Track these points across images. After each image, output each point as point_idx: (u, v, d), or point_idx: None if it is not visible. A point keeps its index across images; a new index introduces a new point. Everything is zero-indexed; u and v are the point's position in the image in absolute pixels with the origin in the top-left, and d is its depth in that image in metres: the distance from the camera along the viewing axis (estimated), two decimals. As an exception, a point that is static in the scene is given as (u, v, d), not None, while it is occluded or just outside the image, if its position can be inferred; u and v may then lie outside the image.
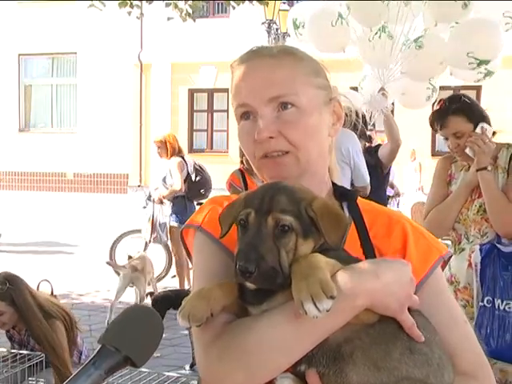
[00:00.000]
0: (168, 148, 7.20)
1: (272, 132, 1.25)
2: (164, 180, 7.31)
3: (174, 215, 7.22)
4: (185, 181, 7.17)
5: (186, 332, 5.03)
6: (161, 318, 1.08)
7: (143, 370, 2.91)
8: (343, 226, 1.14)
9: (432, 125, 3.43)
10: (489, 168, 3.08)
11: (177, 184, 7.09)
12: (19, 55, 20.18)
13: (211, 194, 7.09)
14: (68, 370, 3.53)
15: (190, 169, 7.23)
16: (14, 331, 3.78)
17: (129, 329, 1.03)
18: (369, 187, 4.78)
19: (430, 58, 4.68)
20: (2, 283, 3.62)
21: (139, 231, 7.77)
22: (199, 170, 7.32)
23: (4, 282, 3.63)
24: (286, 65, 1.27)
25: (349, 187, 4.43)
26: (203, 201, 7.82)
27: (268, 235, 1.09)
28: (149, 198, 7.71)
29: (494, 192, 3.06)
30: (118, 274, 6.71)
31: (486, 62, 4.61)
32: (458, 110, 3.25)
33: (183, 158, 7.30)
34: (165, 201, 7.27)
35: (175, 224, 7.15)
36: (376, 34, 4.72)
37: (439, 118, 3.36)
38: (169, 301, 4.70)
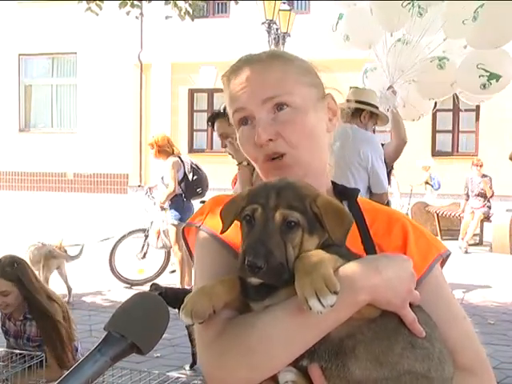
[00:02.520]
0: (158, 150, 7.22)
1: (270, 134, 1.26)
2: (162, 179, 7.38)
3: (172, 214, 7.26)
4: (182, 180, 7.22)
5: (186, 332, 5.03)
6: (167, 305, 1.08)
7: (143, 370, 2.91)
8: (347, 223, 1.15)
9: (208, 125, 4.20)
10: (244, 163, 3.80)
11: (171, 186, 7.17)
12: (19, 55, 20.17)
13: (208, 194, 7.14)
14: (65, 352, 3.66)
15: (188, 168, 7.27)
16: (10, 323, 3.85)
17: (134, 316, 1.03)
18: (387, 195, 4.70)
19: (446, 80, 4.72)
20: (10, 264, 3.79)
21: (140, 231, 7.82)
22: (196, 170, 7.36)
23: (12, 263, 3.80)
24: (276, 67, 1.29)
25: (364, 192, 4.39)
26: (200, 199, 7.80)
27: (275, 231, 1.10)
28: (147, 194, 7.83)
29: (245, 183, 3.88)
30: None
31: (497, 78, 4.61)
32: (222, 115, 3.94)
33: (180, 157, 7.34)
34: (165, 205, 7.35)
35: (174, 222, 7.20)
36: (393, 45, 4.77)
37: (212, 121, 4.20)
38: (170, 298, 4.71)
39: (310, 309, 1.03)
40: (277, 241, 1.10)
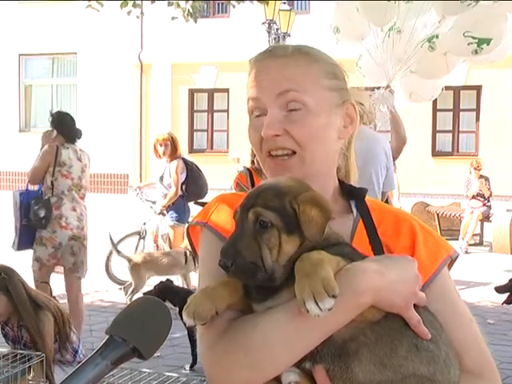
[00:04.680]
0: (174, 146, 7.14)
1: (278, 130, 1.25)
2: (161, 179, 7.26)
3: (172, 216, 7.18)
4: (184, 182, 7.14)
5: (186, 332, 5.03)
6: (169, 310, 1.08)
7: (143, 370, 2.91)
8: (322, 220, 1.11)
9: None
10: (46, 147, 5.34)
11: (174, 189, 7.06)
12: (19, 55, 20.17)
13: (208, 194, 7.11)
14: (49, 363, 3.61)
15: (191, 170, 7.20)
16: (8, 328, 3.86)
17: (137, 320, 1.03)
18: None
19: (439, 58, 4.68)
20: None
21: (136, 234, 7.65)
22: (198, 173, 7.29)
23: (0, 273, 3.74)
24: (298, 64, 1.27)
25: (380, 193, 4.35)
26: (201, 201, 7.65)
27: (248, 231, 1.10)
28: (138, 195, 7.68)
29: (44, 162, 5.34)
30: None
31: (487, 41, 4.55)
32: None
33: (183, 159, 7.28)
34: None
35: (172, 224, 7.14)
36: (386, 34, 4.74)
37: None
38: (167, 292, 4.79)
39: (308, 312, 1.02)
40: (247, 241, 1.09)
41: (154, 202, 7.49)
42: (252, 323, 1.11)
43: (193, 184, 7.20)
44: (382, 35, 4.84)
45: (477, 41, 4.52)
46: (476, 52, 4.57)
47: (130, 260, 6.51)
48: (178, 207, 7.18)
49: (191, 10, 7.84)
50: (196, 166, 7.41)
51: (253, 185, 4.80)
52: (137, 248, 7.61)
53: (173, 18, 8.07)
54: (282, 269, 1.10)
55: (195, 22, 8.02)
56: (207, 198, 7.46)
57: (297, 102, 1.25)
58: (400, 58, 4.77)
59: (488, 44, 4.56)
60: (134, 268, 6.40)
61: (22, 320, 3.74)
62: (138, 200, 7.77)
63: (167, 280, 5.26)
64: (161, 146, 7.16)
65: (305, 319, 1.05)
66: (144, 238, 7.55)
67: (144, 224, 7.56)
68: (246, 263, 1.08)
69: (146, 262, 6.50)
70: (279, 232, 1.09)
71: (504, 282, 4.26)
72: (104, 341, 1.00)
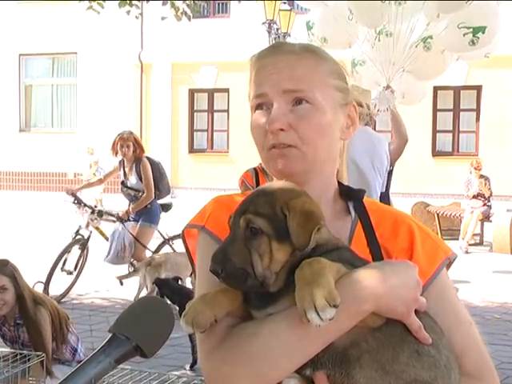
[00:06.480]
0: (139, 147, 6.72)
1: (283, 124, 1.23)
2: (124, 184, 6.77)
3: (147, 219, 6.71)
4: (153, 181, 6.69)
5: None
6: (172, 309, 1.08)
7: (144, 369, 2.91)
8: (310, 227, 1.10)
9: None
10: None
11: (149, 193, 6.56)
12: (20, 55, 20.19)
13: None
14: (48, 357, 3.63)
15: (156, 167, 6.78)
16: (5, 328, 3.90)
17: (140, 319, 1.03)
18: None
19: (435, 57, 4.70)
20: (4, 262, 3.86)
21: (76, 243, 7.00)
22: (164, 169, 6.94)
23: (6, 262, 3.87)
24: (306, 62, 1.27)
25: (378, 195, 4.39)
26: (165, 201, 7.31)
27: (239, 237, 1.10)
28: (75, 201, 6.87)
29: None
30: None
31: (482, 30, 4.57)
32: None
33: (148, 158, 6.84)
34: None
35: (148, 225, 6.70)
36: (376, 38, 4.76)
37: None
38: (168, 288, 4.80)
39: (309, 321, 1.01)
40: (238, 247, 1.09)
41: (95, 207, 7.12)
42: (251, 331, 1.11)
43: (160, 182, 6.75)
44: (372, 40, 4.85)
45: (471, 30, 4.53)
46: (473, 42, 4.58)
47: (152, 259, 6.31)
48: (154, 209, 6.71)
49: (186, 9, 7.82)
50: (159, 162, 6.95)
51: (257, 184, 4.82)
52: (65, 259, 6.92)
53: (162, 18, 8.02)
54: (275, 275, 1.09)
55: (189, 20, 7.96)
56: (168, 199, 7.15)
57: (303, 99, 1.24)
58: (395, 59, 4.78)
59: (483, 32, 4.56)
60: (155, 268, 6.13)
61: (20, 314, 3.77)
62: (76, 204, 6.97)
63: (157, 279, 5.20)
64: (122, 146, 6.61)
65: (306, 328, 1.04)
66: (85, 245, 6.93)
67: (78, 231, 6.94)
68: (235, 269, 1.08)
69: (166, 262, 6.19)
70: (269, 239, 1.09)
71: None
72: (107, 338, 1.00)
